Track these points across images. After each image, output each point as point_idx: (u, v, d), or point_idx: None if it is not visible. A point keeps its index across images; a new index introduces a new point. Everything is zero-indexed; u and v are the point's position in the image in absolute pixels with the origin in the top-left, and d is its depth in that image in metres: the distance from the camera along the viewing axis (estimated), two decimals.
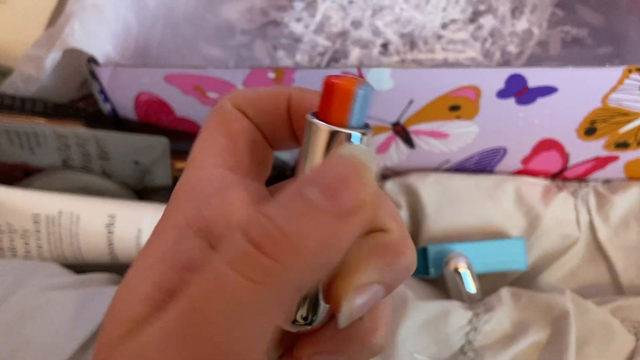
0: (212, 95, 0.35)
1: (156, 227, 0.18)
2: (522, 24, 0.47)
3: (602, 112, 0.35)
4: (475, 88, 0.33)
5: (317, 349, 0.18)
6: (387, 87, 0.33)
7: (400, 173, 0.43)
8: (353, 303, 0.16)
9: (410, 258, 0.17)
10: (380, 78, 0.33)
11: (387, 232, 0.17)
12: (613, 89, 0.33)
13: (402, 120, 0.37)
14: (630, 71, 0.32)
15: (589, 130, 0.37)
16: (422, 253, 0.39)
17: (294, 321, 0.17)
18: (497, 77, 0.33)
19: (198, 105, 0.36)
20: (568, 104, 0.34)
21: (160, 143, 0.37)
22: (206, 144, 0.19)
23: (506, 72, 0.32)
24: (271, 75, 0.33)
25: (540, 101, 0.34)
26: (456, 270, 0.36)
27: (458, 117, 0.36)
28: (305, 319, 0.17)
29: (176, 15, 0.46)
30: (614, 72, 0.32)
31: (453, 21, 0.46)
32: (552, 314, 0.34)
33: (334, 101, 0.16)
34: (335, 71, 0.32)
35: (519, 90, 0.33)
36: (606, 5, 0.52)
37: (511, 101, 0.34)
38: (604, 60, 0.49)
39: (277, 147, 0.20)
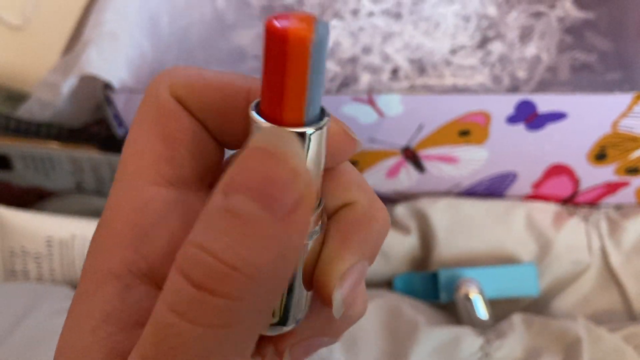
0: None
1: (88, 274, 0.15)
2: (530, 50, 0.48)
3: (612, 138, 0.35)
4: (485, 113, 0.34)
5: (298, 337, 0.16)
6: (397, 113, 0.34)
7: (410, 197, 0.43)
8: (343, 291, 0.15)
9: (383, 220, 0.16)
10: (391, 104, 0.33)
11: (353, 205, 0.16)
12: (623, 115, 0.33)
13: (412, 145, 0.37)
14: (637, 98, 0.32)
15: (600, 156, 0.37)
16: (433, 278, 0.39)
17: (273, 325, 0.16)
18: (507, 103, 0.33)
19: None
20: (578, 129, 0.34)
21: None
22: (138, 150, 0.15)
23: (516, 98, 0.32)
24: None
25: (550, 127, 0.34)
26: (467, 296, 0.36)
27: (468, 142, 0.36)
28: (283, 321, 0.16)
29: (190, 41, 0.47)
30: (623, 98, 0.32)
31: (462, 47, 0.47)
32: (564, 341, 0.33)
33: (281, 90, 0.13)
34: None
35: (528, 116, 0.33)
36: (615, 31, 0.52)
37: (521, 127, 0.34)
38: (613, 85, 0.49)
39: (233, 146, 0.17)
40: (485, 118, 0.34)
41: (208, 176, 0.16)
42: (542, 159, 0.37)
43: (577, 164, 0.37)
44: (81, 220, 0.37)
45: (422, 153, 0.38)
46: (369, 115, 0.34)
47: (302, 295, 0.16)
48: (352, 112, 0.34)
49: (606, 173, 0.38)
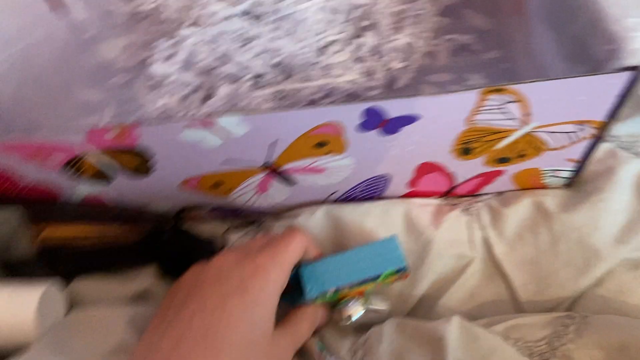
0: (56, 158, 0.32)
1: None
2: (404, 38, 0.46)
3: (471, 133, 0.33)
4: (335, 124, 0.32)
5: None
6: (242, 132, 0.31)
7: (292, 208, 0.41)
8: None
9: None
10: (231, 125, 0.31)
11: None
12: (475, 112, 0.32)
13: (271, 161, 0.35)
14: (486, 93, 0.30)
15: (465, 151, 0.35)
16: (295, 278, 0.34)
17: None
18: (354, 112, 0.31)
19: (43, 171, 0.33)
20: (433, 129, 0.33)
21: (12, 215, 0.34)
22: None
23: (361, 107, 0.30)
24: (109, 135, 0.30)
25: (405, 130, 0.32)
26: (349, 317, 0.35)
27: (329, 152, 0.34)
28: None
29: (36, 66, 0.43)
30: (470, 96, 0.30)
31: (331, 43, 0.44)
32: (432, 342, 0.33)
33: None
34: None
35: (380, 122, 0.32)
36: (492, 6, 0.51)
37: (375, 132, 0.32)
38: (492, 64, 0.48)
39: None
40: (336, 128, 0.32)
41: None
42: (408, 159, 0.36)
43: (445, 161, 0.36)
44: None
45: (285, 167, 0.35)
46: (212, 140, 0.32)
47: None
48: (193, 138, 0.31)
49: (477, 166, 0.37)
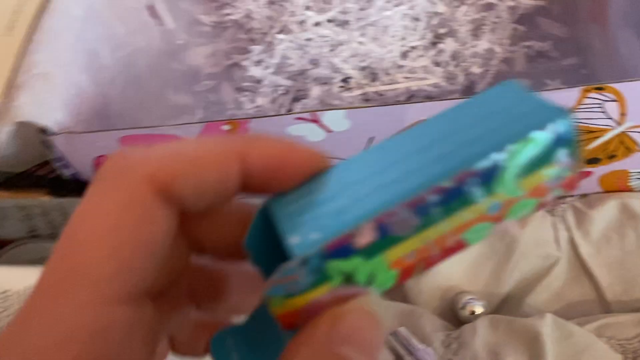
0: None
1: None
2: (483, 44, 0.47)
3: None
4: None
5: None
6: (344, 128, 0.33)
7: None
8: None
9: None
10: (336, 120, 0.32)
11: None
12: (573, 109, 0.32)
13: None
14: (587, 91, 0.31)
15: None
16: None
17: None
18: None
19: None
20: None
21: None
22: (99, 254, 0.13)
23: None
24: (225, 127, 0.32)
25: None
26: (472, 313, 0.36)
27: None
28: None
29: (137, 69, 0.46)
30: (571, 94, 0.31)
31: (413, 49, 0.46)
32: (528, 338, 0.33)
33: None
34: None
35: None
36: (568, 15, 0.51)
37: None
38: (570, 71, 0.48)
39: (210, 241, 0.16)
40: None
41: (171, 284, 0.15)
42: None
43: None
44: (38, 270, 0.36)
45: None
46: (316, 133, 0.33)
47: None
48: (299, 131, 0.33)
49: None
